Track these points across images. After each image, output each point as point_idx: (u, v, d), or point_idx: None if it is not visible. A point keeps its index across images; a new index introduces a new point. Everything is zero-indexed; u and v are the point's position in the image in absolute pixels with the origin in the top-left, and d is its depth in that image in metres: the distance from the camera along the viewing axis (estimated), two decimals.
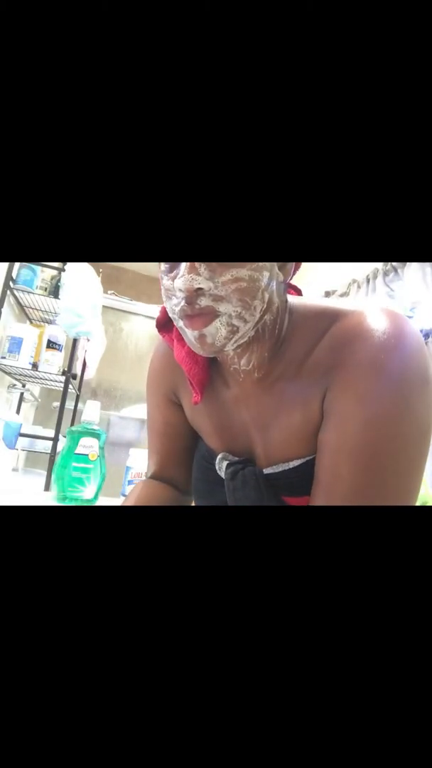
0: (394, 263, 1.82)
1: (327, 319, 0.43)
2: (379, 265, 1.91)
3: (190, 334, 0.41)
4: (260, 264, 0.38)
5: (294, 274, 0.46)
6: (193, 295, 0.38)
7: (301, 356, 0.44)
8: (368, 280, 2.00)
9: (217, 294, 0.38)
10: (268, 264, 0.39)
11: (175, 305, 0.40)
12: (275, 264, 0.41)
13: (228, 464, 0.49)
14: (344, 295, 2.19)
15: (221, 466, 0.50)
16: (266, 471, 0.47)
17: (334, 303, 0.45)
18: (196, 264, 0.37)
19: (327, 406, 0.41)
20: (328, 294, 2.34)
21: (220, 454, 0.51)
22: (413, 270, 1.71)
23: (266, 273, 0.39)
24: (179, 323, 0.42)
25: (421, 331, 1.65)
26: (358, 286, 2.07)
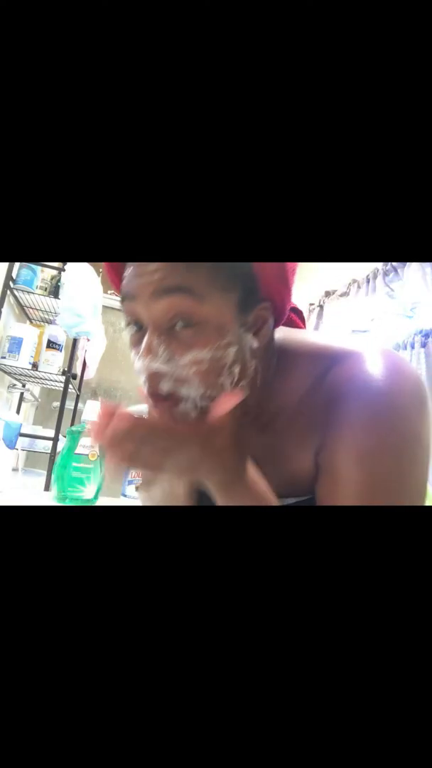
0: (394, 263, 1.82)
1: (320, 363, 0.41)
2: (379, 265, 1.91)
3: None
4: (227, 341, 0.36)
5: (274, 328, 0.42)
6: (154, 378, 0.36)
7: (294, 401, 0.42)
8: (368, 280, 2.00)
9: (179, 376, 0.36)
10: (236, 336, 0.36)
11: (143, 384, 0.38)
12: (249, 332, 0.38)
13: None
14: (344, 295, 2.19)
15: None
16: None
17: (325, 342, 0.43)
18: (154, 345, 0.35)
19: (323, 461, 0.39)
20: (328, 294, 2.34)
21: None
22: (413, 270, 1.71)
23: (233, 349, 0.36)
24: (149, 402, 0.39)
25: (421, 331, 1.65)
26: (358, 286, 2.07)
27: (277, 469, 0.42)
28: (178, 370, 0.36)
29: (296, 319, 0.53)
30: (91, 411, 0.88)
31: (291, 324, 0.52)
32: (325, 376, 0.40)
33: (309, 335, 0.46)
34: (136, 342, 0.38)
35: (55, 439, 1.72)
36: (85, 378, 2.26)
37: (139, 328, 0.38)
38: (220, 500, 0.39)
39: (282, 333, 0.46)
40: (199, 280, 0.34)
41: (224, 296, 0.35)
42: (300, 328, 0.53)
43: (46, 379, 1.88)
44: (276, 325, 0.42)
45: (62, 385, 1.78)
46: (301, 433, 0.41)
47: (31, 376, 1.84)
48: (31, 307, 1.94)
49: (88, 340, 1.97)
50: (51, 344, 1.82)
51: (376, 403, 0.36)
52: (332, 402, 0.38)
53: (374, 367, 0.38)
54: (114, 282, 0.42)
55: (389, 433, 0.35)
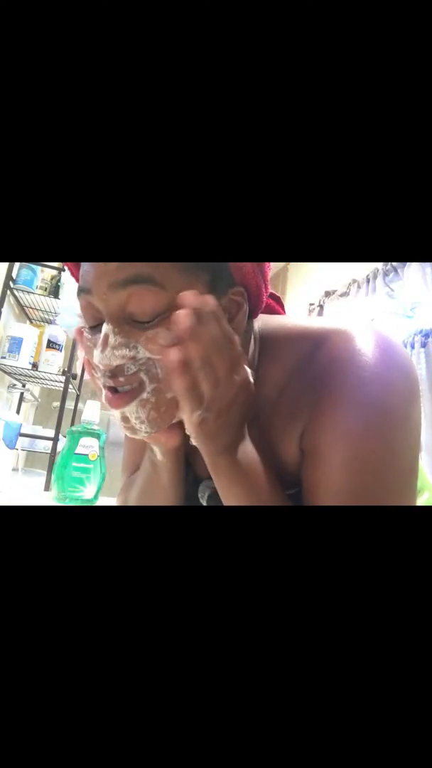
0: (394, 263, 1.82)
1: (302, 346, 0.39)
2: (379, 265, 1.92)
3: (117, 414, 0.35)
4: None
5: (254, 317, 0.40)
6: (115, 373, 0.33)
7: (278, 388, 0.40)
8: (368, 280, 2.00)
9: (148, 371, 0.33)
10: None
11: (100, 380, 0.34)
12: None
13: (210, 494, 0.45)
14: (344, 295, 2.19)
15: (203, 494, 0.46)
16: None
17: (306, 324, 0.41)
18: (110, 337, 0.32)
19: (308, 444, 0.37)
20: (328, 294, 2.34)
21: (204, 481, 0.47)
22: (413, 270, 1.72)
23: None
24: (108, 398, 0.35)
25: (421, 331, 1.65)
26: (358, 286, 2.07)
27: (266, 461, 0.40)
28: (141, 354, 0.33)
29: (274, 304, 0.50)
30: (91, 411, 0.88)
31: (269, 310, 0.49)
32: (310, 359, 0.38)
33: (288, 319, 0.44)
34: (93, 331, 0.35)
35: (55, 439, 1.72)
36: (85, 378, 2.26)
37: (97, 324, 0.35)
38: (214, 471, 0.37)
39: (260, 320, 0.43)
40: (161, 265, 0.31)
41: (190, 281, 0.32)
42: (279, 313, 0.50)
43: (46, 379, 1.88)
44: (254, 313, 0.40)
45: (62, 385, 1.78)
46: (286, 421, 0.39)
47: (31, 376, 1.85)
48: (31, 307, 1.94)
49: None
50: (51, 344, 1.82)
51: (363, 380, 0.34)
52: (317, 385, 0.36)
53: (360, 344, 0.36)
54: (74, 275, 0.39)
55: (377, 409, 0.33)
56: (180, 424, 0.37)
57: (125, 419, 0.35)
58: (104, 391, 0.35)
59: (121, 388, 0.34)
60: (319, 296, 2.41)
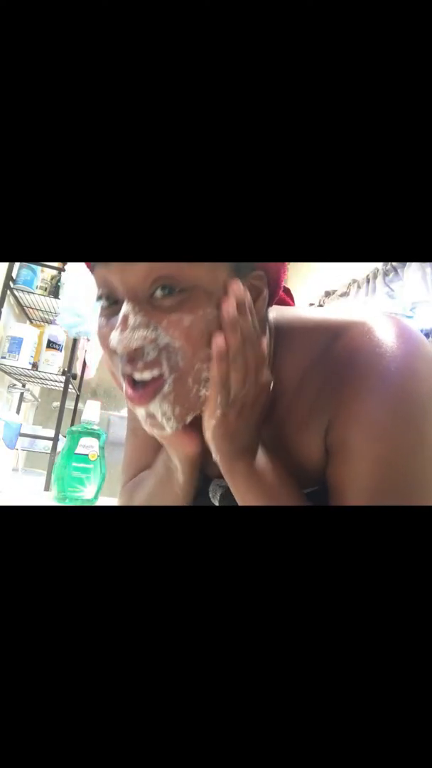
0: (394, 263, 1.82)
1: (319, 338, 0.38)
2: (379, 265, 1.91)
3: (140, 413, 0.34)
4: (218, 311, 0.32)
5: (270, 304, 0.39)
6: (132, 356, 0.32)
7: (294, 382, 0.39)
8: (368, 280, 1.99)
9: (163, 345, 0.32)
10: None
11: (117, 364, 0.33)
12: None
13: (222, 493, 0.44)
14: (344, 295, 2.19)
15: (215, 493, 0.46)
16: None
17: (322, 315, 0.41)
18: (131, 317, 0.31)
19: (334, 440, 0.36)
20: (328, 294, 2.34)
21: (214, 480, 0.46)
22: (413, 270, 1.71)
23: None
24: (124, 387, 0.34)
25: (421, 331, 1.65)
26: (358, 286, 2.07)
27: (281, 459, 0.39)
28: (161, 339, 0.32)
29: (285, 297, 0.49)
30: (91, 411, 0.88)
31: (280, 301, 0.48)
32: (328, 352, 0.37)
33: (303, 310, 0.43)
34: (109, 316, 0.34)
35: (55, 439, 1.72)
36: (85, 378, 2.26)
37: (113, 301, 0.34)
38: (230, 476, 0.36)
39: (274, 311, 0.42)
40: None
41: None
42: (290, 305, 0.49)
43: (46, 379, 1.88)
44: (272, 300, 0.39)
45: (62, 385, 1.78)
46: (305, 416, 0.38)
47: (31, 376, 1.85)
48: (31, 307, 1.94)
49: (88, 340, 1.97)
50: (51, 344, 1.82)
51: (388, 371, 0.33)
52: (340, 377, 0.35)
53: (382, 335, 0.35)
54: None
55: (406, 402, 0.33)
56: (199, 429, 0.37)
57: (151, 416, 0.34)
58: (125, 388, 0.34)
59: (139, 376, 0.33)
60: (319, 296, 2.41)
